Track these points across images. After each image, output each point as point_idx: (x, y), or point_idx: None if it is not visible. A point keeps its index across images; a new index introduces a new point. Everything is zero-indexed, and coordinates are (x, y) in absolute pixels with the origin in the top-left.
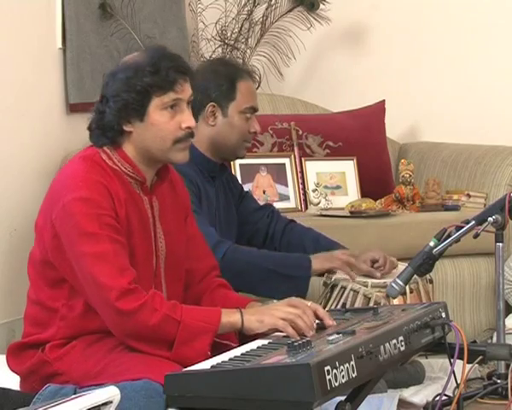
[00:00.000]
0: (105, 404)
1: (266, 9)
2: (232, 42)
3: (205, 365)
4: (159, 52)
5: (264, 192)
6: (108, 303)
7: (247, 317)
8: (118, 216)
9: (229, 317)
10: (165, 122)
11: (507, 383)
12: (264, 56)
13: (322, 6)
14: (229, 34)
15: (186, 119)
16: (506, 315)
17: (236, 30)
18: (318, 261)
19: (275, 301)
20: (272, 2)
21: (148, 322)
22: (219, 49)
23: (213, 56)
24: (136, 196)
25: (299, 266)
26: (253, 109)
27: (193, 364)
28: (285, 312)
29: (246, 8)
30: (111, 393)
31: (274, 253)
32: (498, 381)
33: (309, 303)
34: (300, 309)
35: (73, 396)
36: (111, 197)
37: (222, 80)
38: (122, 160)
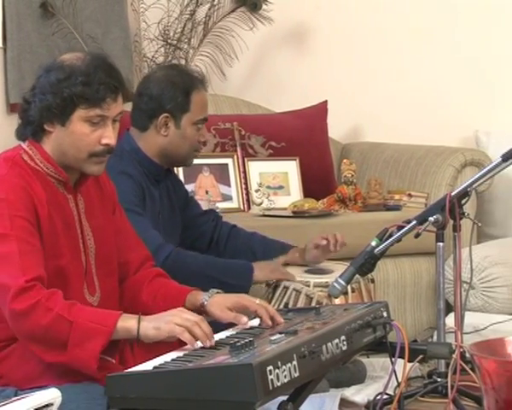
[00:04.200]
0: (46, 406)
1: (209, 9)
2: (175, 42)
3: (147, 365)
4: (96, 62)
5: (206, 192)
6: (6, 304)
7: (144, 324)
8: (38, 217)
9: (126, 322)
10: (85, 134)
11: (447, 382)
12: (207, 56)
13: (264, 6)
14: (171, 34)
15: (107, 135)
16: (446, 314)
17: (179, 30)
18: (260, 272)
19: (217, 290)
20: (215, 3)
21: (41, 322)
22: (162, 49)
23: (156, 56)
24: (59, 195)
25: (242, 276)
26: (205, 120)
27: (85, 366)
28: (182, 318)
29: (188, 9)
30: (52, 395)
31: (217, 259)
32: (439, 379)
33: (257, 301)
34: (198, 318)
35: (14, 398)
36: (30, 199)
37: (177, 92)
38: (44, 160)
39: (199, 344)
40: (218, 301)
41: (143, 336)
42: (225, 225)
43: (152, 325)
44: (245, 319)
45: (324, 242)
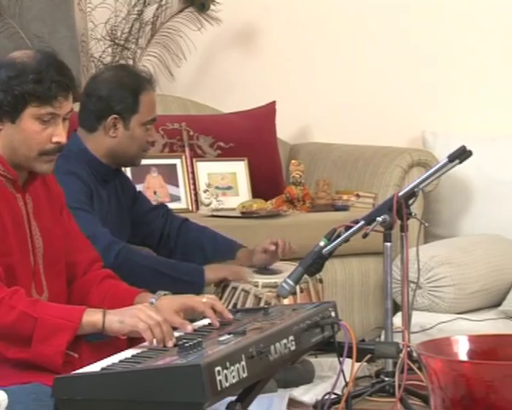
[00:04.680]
0: None
1: (157, 10)
2: (122, 42)
3: (95, 367)
4: (47, 60)
5: (155, 193)
6: None
7: (109, 317)
8: None
9: (91, 316)
10: (35, 132)
11: (394, 381)
12: (155, 57)
13: (212, 7)
14: (119, 34)
15: (58, 133)
16: (394, 314)
17: (127, 30)
18: (212, 272)
19: (164, 292)
20: (163, 3)
21: (4, 320)
22: (109, 49)
23: (103, 56)
24: (8, 193)
25: (194, 273)
26: (154, 120)
27: (50, 362)
28: (147, 315)
29: (136, 9)
30: None
31: (168, 260)
32: (386, 379)
33: (204, 299)
34: (162, 318)
35: None
36: None
37: (126, 93)
38: None
39: (154, 343)
40: (165, 304)
41: (108, 330)
42: (176, 219)
43: (117, 319)
44: (190, 327)
45: (273, 247)
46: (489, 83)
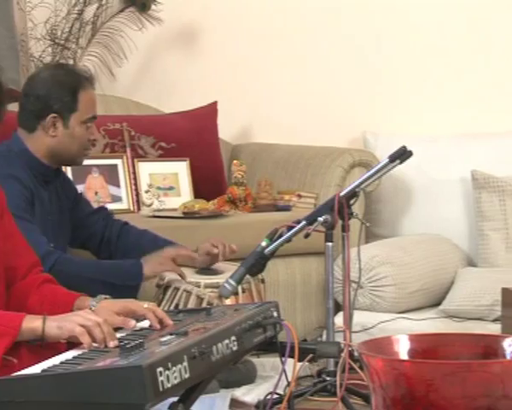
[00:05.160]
0: None
1: (97, 9)
2: (62, 41)
3: (35, 369)
4: None
5: (96, 193)
6: None
7: (49, 323)
8: None
9: (31, 323)
10: None
11: (336, 381)
12: (96, 56)
13: (153, 7)
14: (59, 34)
15: None
16: (335, 313)
17: (67, 29)
18: (150, 268)
19: (104, 296)
20: (103, 2)
21: None
22: (49, 49)
23: (43, 56)
24: None
25: (130, 275)
26: (94, 118)
27: None
28: (85, 319)
29: (76, 8)
30: None
31: (104, 262)
32: (328, 378)
33: (145, 304)
34: (102, 318)
35: None
36: None
37: (64, 92)
38: None
39: (94, 345)
40: (106, 307)
41: (48, 336)
42: (116, 223)
43: (55, 324)
44: (133, 322)
45: (216, 251)
46: (429, 84)
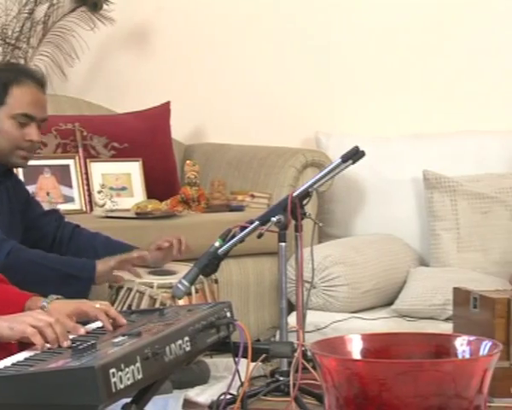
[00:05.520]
0: None
1: (48, 9)
2: (13, 41)
3: None
4: None
5: (47, 194)
6: None
7: (0, 323)
8: None
9: None
10: None
11: (289, 380)
12: (47, 56)
13: (105, 6)
14: (9, 33)
15: None
16: (288, 313)
17: (18, 29)
18: (102, 265)
19: (56, 296)
20: (54, 2)
21: None
22: (0, 49)
23: None
24: None
25: (84, 267)
26: (29, 117)
27: None
28: (36, 319)
29: (27, 7)
30: None
31: (59, 256)
32: (281, 378)
33: (97, 304)
34: (53, 318)
35: None
36: None
37: None
38: None
39: (47, 346)
40: (58, 308)
41: None
42: (68, 225)
43: (7, 325)
44: (82, 330)
45: (166, 244)
46: (381, 84)
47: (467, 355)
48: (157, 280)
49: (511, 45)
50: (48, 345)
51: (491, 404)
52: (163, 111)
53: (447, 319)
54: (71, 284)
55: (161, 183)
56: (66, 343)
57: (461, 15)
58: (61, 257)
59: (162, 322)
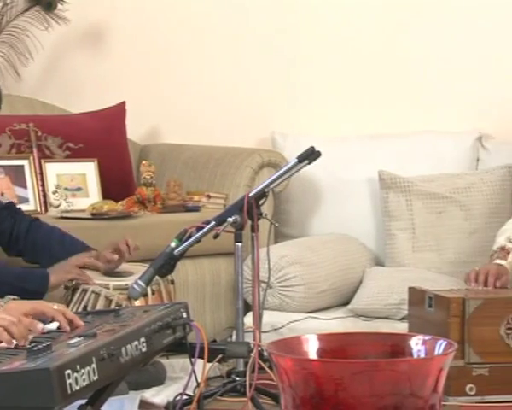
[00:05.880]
0: None
1: (2, 8)
2: None
3: None
4: None
5: (2, 194)
6: None
7: None
8: None
9: None
10: None
11: (245, 381)
12: (1, 56)
13: (60, 6)
14: None
15: None
16: (245, 313)
17: None
18: (56, 276)
19: (13, 297)
20: (8, 1)
21: None
22: None
23: None
24: None
25: (36, 281)
26: None
27: None
28: (0, 318)
29: None
30: None
31: (13, 267)
32: (237, 378)
33: (55, 306)
34: (15, 318)
35: None
36: None
37: None
38: None
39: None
40: (14, 308)
41: None
42: (24, 220)
43: None
44: (40, 325)
45: (115, 257)
46: (337, 85)
47: (422, 355)
48: (113, 281)
49: (467, 47)
50: (14, 341)
51: (446, 403)
52: (118, 111)
53: (402, 319)
54: (24, 297)
55: (117, 183)
56: (22, 342)
57: (416, 16)
58: (15, 270)
59: (118, 323)
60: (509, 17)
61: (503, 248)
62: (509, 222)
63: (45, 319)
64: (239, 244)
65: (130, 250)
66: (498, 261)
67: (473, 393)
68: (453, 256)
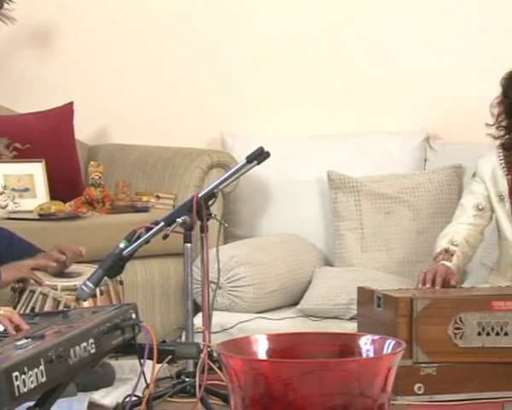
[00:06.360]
0: None
1: None
2: None
3: None
4: None
5: None
6: None
7: None
8: None
9: None
10: None
11: (195, 381)
12: None
13: (6, 6)
14: None
15: None
16: (195, 314)
17: None
18: (6, 273)
19: None
20: None
21: None
22: None
23: None
24: None
25: None
26: None
27: None
28: None
29: None
30: None
31: None
32: (187, 379)
33: (1, 311)
34: None
35: None
36: None
37: None
38: None
39: None
40: None
41: None
42: None
43: None
44: None
45: (64, 257)
46: (286, 86)
47: (371, 354)
48: (61, 282)
49: (414, 48)
50: None
51: (395, 402)
52: (66, 111)
53: (352, 319)
54: None
55: (65, 184)
56: None
57: (363, 17)
58: None
59: (66, 324)
60: (455, 18)
61: (446, 251)
62: (448, 226)
63: None
64: (188, 245)
65: (75, 256)
66: (444, 262)
67: (421, 392)
68: (401, 256)
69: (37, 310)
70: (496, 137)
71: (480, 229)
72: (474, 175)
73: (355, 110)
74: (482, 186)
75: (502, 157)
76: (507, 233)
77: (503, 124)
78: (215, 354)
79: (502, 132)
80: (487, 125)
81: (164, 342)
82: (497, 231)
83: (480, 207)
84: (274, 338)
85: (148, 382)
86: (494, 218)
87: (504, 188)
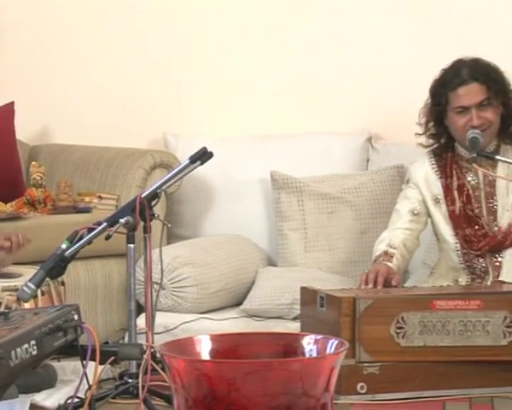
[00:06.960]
0: None
1: None
2: None
3: None
4: None
5: None
6: None
7: None
8: None
9: None
10: None
11: (138, 382)
12: None
13: None
14: None
15: None
16: (138, 315)
17: None
18: None
19: None
20: None
21: None
22: None
23: None
24: None
25: None
26: None
27: None
28: None
29: None
30: None
31: None
32: (130, 380)
33: None
34: None
35: None
36: None
37: None
38: None
39: None
40: None
41: None
42: None
43: None
44: None
45: (8, 243)
46: (229, 86)
47: (314, 354)
48: (1, 283)
49: (356, 49)
50: None
51: (338, 401)
52: (7, 111)
53: (295, 319)
54: None
55: (6, 184)
56: None
57: (302, 18)
58: None
59: (7, 326)
60: (396, 19)
61: (386, 253)
62: (385, 231)
63: None
64: (131, 245)
65: (21, 242)
66: (386, 263)
67: (364, 391)
68: (344, 256)
69: None
70: (425, 146)
71: (416, 234)
72: (407, 181)
73: (298, 111)
74: (416, 191)
75: (434, 162)
76: (445, 235)
77: (433, 131)
78: (158, 355)
79: (431, 141)
80: (417, 134)
81: (106, 343)
82: (435, 235)
83: (416, 211)
84: (217, 339)
85: (91, 383)
86: (430, 223)
87: (439, 190)
